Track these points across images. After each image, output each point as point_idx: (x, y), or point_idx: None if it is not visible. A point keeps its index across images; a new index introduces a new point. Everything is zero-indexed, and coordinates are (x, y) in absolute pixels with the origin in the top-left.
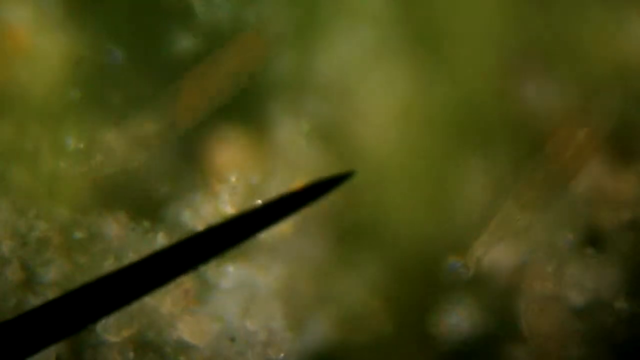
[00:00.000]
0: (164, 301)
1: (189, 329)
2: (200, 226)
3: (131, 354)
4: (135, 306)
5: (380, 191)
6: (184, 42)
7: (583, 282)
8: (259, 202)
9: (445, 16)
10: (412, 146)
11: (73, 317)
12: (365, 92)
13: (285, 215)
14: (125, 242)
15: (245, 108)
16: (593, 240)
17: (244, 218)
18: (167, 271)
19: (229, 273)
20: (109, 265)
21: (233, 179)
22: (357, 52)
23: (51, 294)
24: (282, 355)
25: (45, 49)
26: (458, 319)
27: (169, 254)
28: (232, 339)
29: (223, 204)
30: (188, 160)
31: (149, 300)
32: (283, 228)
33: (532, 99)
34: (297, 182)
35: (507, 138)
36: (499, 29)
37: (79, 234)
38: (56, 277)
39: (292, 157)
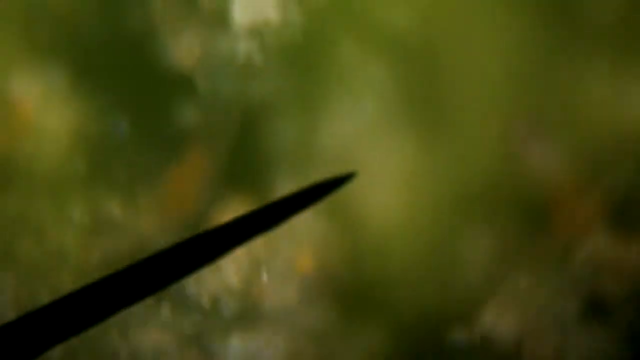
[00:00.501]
0: None
1: None
2: (205, 299)
3: None
4: None
5: (385, 262)
6: (188, 115)
7: (585, 351)
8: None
9: (449, 86)
10: (417, 216)
11: (71, 320)
12: (370, 164)
13: (287, 215)
14: (129, 314)
15: (249, 178)
16: (596, 309)
17: (248, 218)
18: (167, 274)
19: (234, 347)
20: (113, 339)
21: (237, 251)
22: (361, 125)
23: None
24: None
25: (51, 122)
26: None
27: (168, 257)
28: None
29: (228, 276)
30: (192, 229)
31: None
32: (287, 300)
33: (537, 168)
34: (302, 254)
35: (511, 207)
36: (504, 98)
37: None
38: (62, 348)
39: (296, 229)
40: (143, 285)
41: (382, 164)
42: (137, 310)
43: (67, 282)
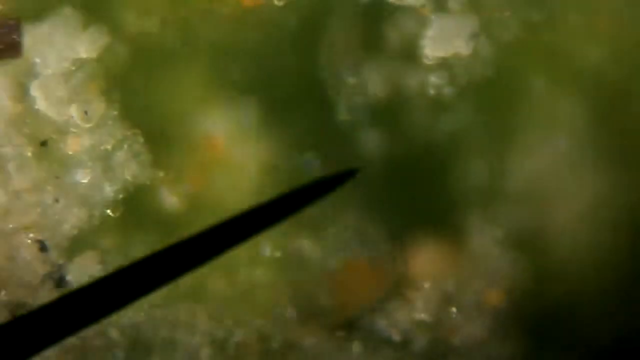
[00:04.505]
0: None
1: None
2: (395, 334)
3: None
4: None
5: (576, 293)
6: (376, 150)
7: None
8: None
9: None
10: (609, 250)
11: (70, 320)
12: (561, 199)
13: (290, 213)
14: (320, 352)
15: (439, 216)
16: None
17: (250, 215)
18: (174, 268)
19: None
20: None
21: (427, 286)
22: (551, 160)
23: None
24: None
25: (241, 158)
26: None
27: (171, 253)
28: None
29: (417, 311)
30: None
31: None
32: (478, 333)
33: None
34: (491, 291)
35: None
36: None
37: (275, 344)
38: None
39: (486, 265)
40: (162, 274)
41: (574, 200)
42: (328, 347)
43: (257, 317)
